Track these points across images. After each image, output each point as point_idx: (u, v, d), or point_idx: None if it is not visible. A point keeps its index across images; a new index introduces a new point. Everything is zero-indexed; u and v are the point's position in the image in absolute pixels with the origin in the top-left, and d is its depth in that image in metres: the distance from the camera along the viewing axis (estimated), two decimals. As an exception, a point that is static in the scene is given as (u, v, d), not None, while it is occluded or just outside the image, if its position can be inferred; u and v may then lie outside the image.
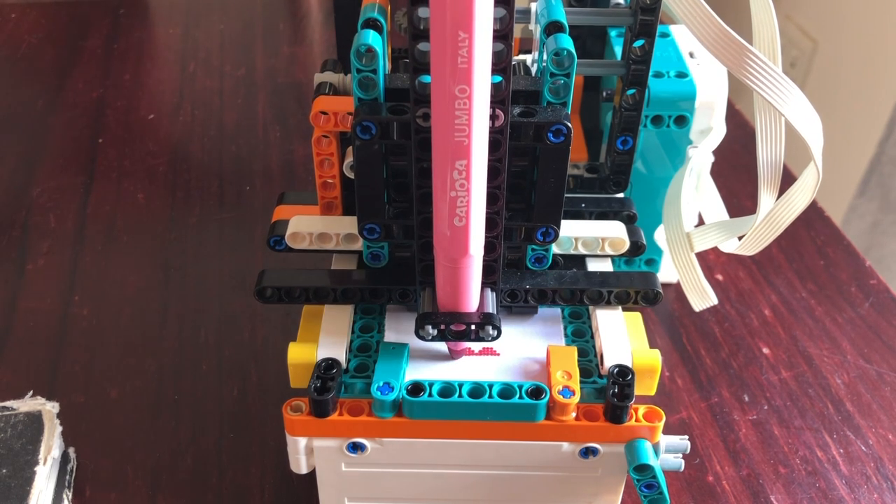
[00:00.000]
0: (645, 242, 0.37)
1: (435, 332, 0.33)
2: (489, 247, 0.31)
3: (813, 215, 0.58)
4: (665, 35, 0.46)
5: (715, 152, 0.45)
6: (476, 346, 0.36)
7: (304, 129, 0.66)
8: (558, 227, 0.33)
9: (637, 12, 0.36)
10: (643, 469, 0.33)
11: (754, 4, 0.37)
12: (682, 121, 0.43)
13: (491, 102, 0.27)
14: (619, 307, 0.37)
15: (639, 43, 0.36)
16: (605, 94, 0.41)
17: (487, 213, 0.30)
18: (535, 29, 0.35)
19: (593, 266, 0.38)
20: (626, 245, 0.36)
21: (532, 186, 0.33)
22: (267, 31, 0.80)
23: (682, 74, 0.43)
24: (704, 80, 0.43)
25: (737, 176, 0.61)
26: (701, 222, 0.48)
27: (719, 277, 0.54)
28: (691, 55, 0.45)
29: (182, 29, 0.80)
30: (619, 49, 0.43)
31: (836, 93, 1.04)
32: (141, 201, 0.59)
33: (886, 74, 0.97)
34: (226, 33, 0.79)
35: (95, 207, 0.58)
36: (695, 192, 0.45)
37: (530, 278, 0.36)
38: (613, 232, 0.36)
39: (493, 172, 0.29)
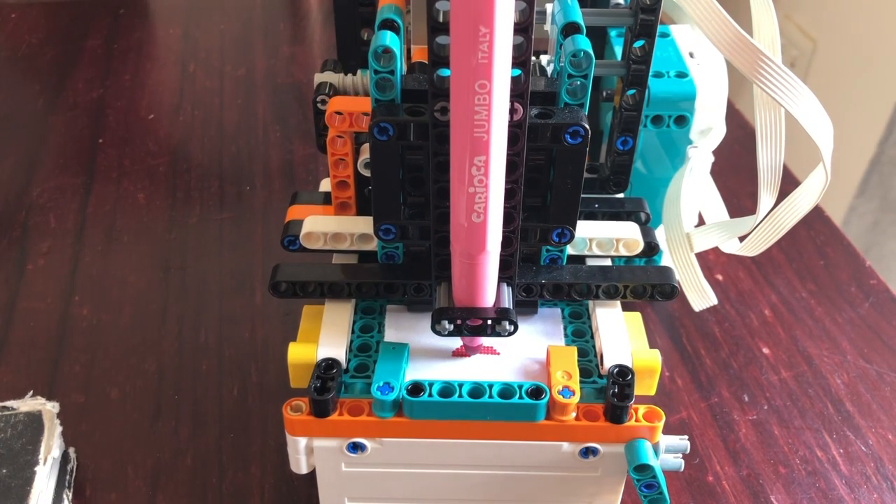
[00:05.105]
0: (658, 243, 0.37)
1: (451, 327, 0.32)
2: (506, 242, 0.31)
3: (813, 215, 0.58)
4: (665, 35, 0.46)
5: (715, 152, 0.45)
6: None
7: (304, 129, 0.66)
8: (574, 229, 0.33)
9: (637, 12, 0.36)
10: (643, 469, 0.33)
11: (754, 4, 0.37)
12: (682, 121, 0.43)
13: (510, 96, 0.27)
14: (619, 305, 0.37)
15: (639, 43, 0.36)
16: (605, 94, 0.41)
17: (505, 207, 0.30)
18: (552, 30, 0.35)
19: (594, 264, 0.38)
20: (641, 246, 0.36)
21: (548, 187, 0.33)
22: (267, 31, 0.80)
23: (682, 74, 0.43)
24: (704, 80, 0.43)
25: (737, 176, 0.61)
26: (701, 222, 0.49)
27: (719, 277, 0.54)
28: (691, 55, 0.45)
29: (182, 29, 0.80)
30: (619, 49, 0.43)
31: (835, 93, 1.04)
32: (141, 201, 0.59)
33: (886, 74, 0.97)
34: (226, 33, 0.79)
35: (95, 207, 0.58)
36: (695, 192, 0.45)
37: (546, 273, 0.36)
38: (628, 233, 0.36)
39: (511, 167, 0.29)
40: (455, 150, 0.27)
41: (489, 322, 0.32)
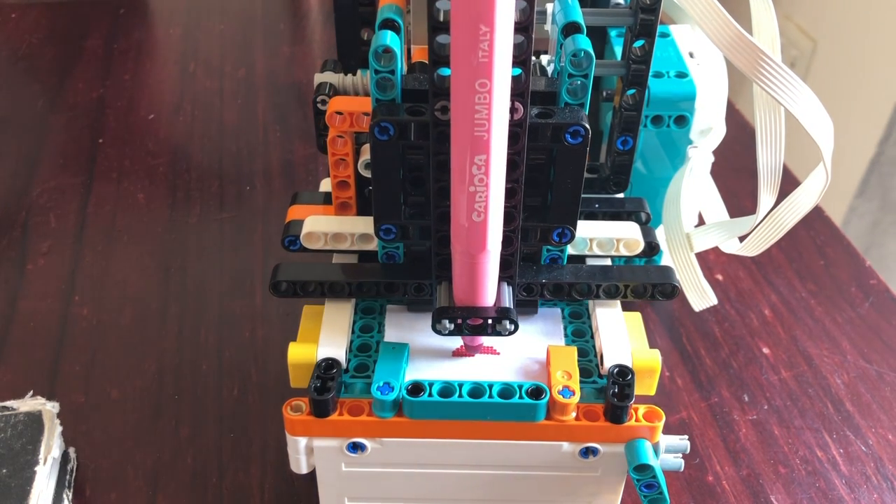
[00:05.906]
0: (659, 243, 0.37)
1: (452, 326, 0.32)
2: (506, 241, 0.31)
3: (813, 215, 0.58)
4: (665, 35, 0.46)
5: (715, 152, 0.45)
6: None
7: (304, 129, 0.66)
8: (574, 228, 0.33)
9: (637, 12, 0.36)
10: (643, 469, 0.33)
11: (754, 4, 0.37)
12: (682, 121, 0.43)
13: (510, 96, 0.27)
14: (619, 305, 0.37)
15: (639, 43, 0.36)
16: (605, 94, 0.41)
17: (505, 207, 0.30)
18: (552, 30, 0.35)
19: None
20: (641, 245, 0.36)
21: (549, 187, 0.33)
22: (267, 31, 0.80)
23: (682, 74, 0.43)
24: (704, 80, 0.43)
25: (737, 176, 0.61)
26: (701, 222, 0.49)
27: (719, 277, 0.54)
28: (691, 55, 0.45)
29: (182, 29, 0.80)
30: (619, 49, 0.43)
31: (835, 93, 1.04)
32: (141, 201, 0.59)
33: (886, 74, 0.97)
34: (226, 33, 0.79)
35: (95, 207, 0.58)
36: (695, 192, 0.45)
37: (546, 273, 0.36)
38: (628, 233, 0.36)
39: (511, 166, 0.29)
40: (455, 149, 0.27)
41: (490, 321, 0.32)
